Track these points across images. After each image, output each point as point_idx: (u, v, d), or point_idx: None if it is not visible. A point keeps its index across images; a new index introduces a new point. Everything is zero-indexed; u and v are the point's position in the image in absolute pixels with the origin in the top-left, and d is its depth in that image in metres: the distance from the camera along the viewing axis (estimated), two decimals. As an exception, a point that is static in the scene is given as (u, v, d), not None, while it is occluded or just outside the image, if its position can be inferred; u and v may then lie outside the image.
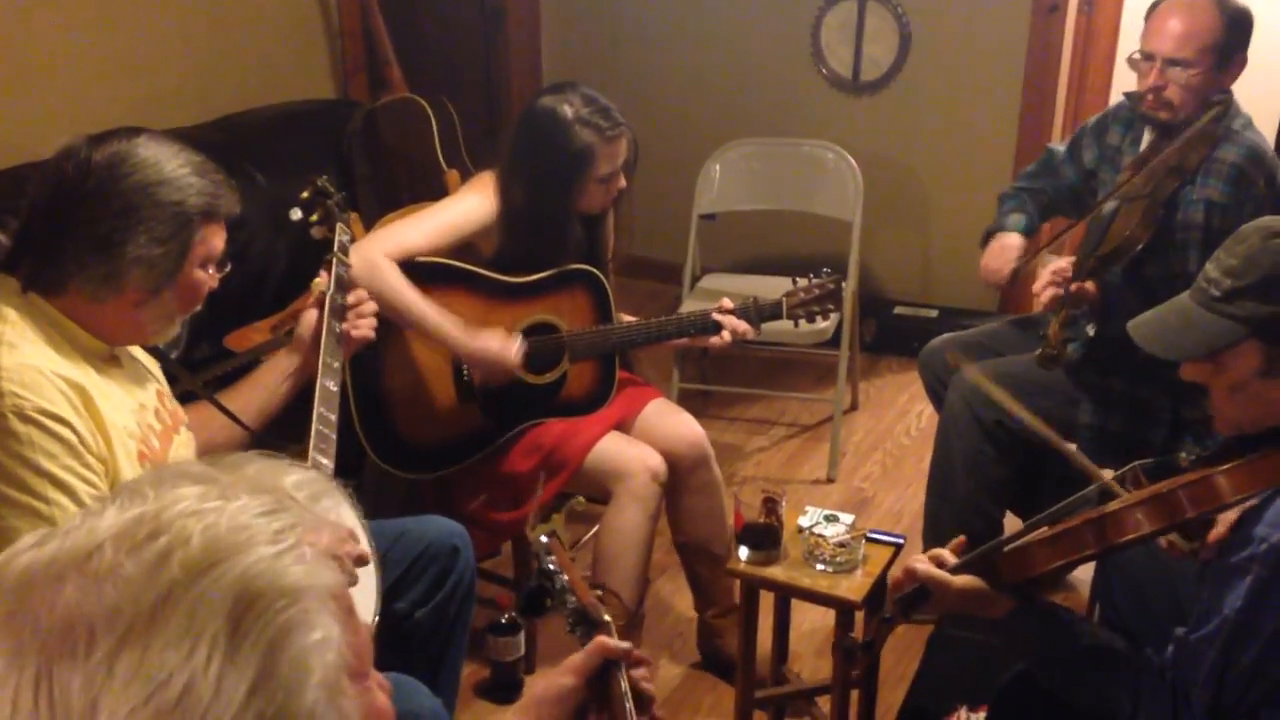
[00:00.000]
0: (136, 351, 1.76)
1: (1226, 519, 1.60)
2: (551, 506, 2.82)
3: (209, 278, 1.68)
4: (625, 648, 1.25)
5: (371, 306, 2.07)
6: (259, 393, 1.96)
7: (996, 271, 2.62)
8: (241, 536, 0.69)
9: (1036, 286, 2.43)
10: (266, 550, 0.69)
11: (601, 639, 1.25)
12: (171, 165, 1.59)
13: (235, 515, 0.70)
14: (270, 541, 0.70)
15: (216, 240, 1.66)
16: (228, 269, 1.72)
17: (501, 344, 2.35)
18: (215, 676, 0.64)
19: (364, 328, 2.04)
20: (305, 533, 0.72)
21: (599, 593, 1.36)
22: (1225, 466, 1.53)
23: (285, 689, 0.66)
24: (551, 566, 1.37)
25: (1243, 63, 2.39)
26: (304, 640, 0.68)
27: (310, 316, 2.00)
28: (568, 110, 2.34)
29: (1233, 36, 2.34)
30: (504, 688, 2.53)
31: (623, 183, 2.44)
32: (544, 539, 1.41)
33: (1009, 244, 2.65)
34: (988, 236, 2.71)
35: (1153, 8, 2.42)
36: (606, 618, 1.31)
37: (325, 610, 0.70)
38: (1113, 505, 1.60)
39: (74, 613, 0.65)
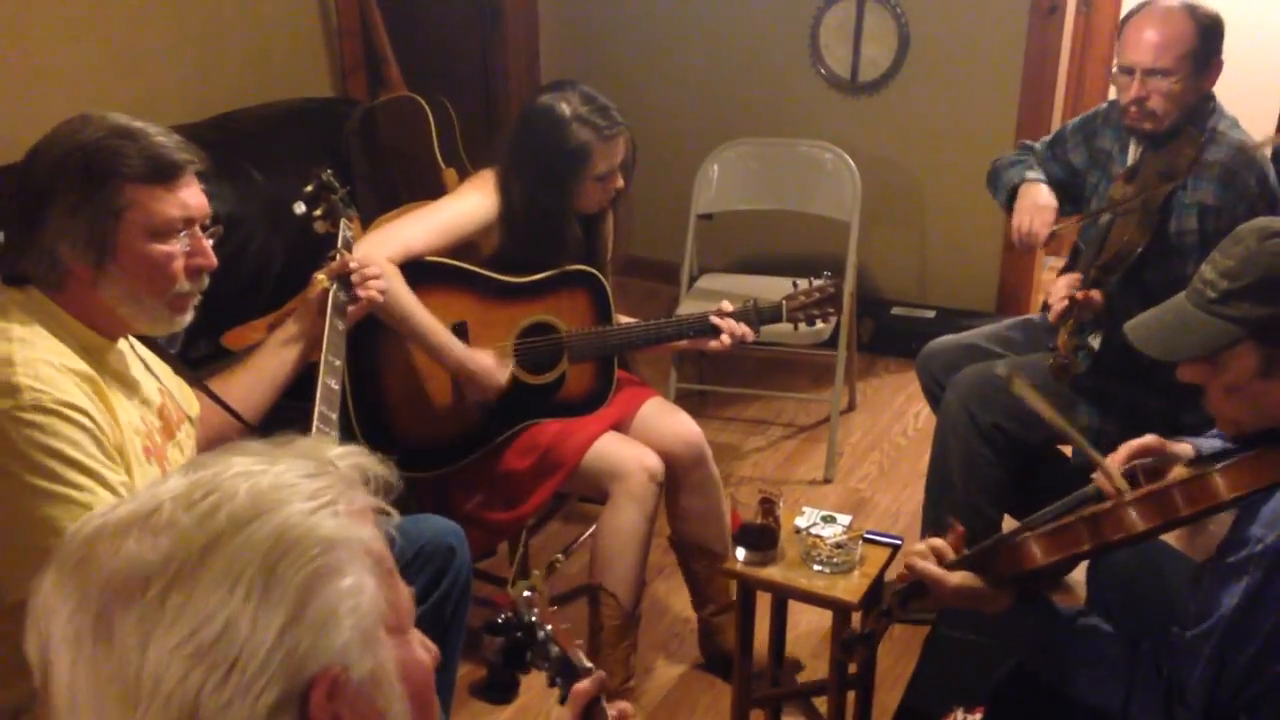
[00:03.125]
0: (141, 349, 1.75)
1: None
2: (550, 507, 2.84)
3: (171, 250, 1.57)
4: (601, 678, 1.30)
5: (377, 269, 2.09)
6: (257, 387, 1.95)
7: (1031, 233, 2.55)
8: (281, 494, 0.76)
9: (1052, 299, 2.43)
10: (303, 505, 0.76)
11: (578, 688, 1.29)
12: (87, 133, 1.53)
13: (279, 475, 0.78)
14: (308, 498, 0.77)
15: (163, 206, 1.55)
16: (215, 229, 1.65)
17: (493, 366, 2.36)
18: (252, 614, 0.71)
19: (372, 289, 2.05)
20: (341, 494, 0.79)
21: (581, 642, 1.39)
22: (1221, 465, 1.54)
23: (315, 628, 0.73)
24: (533, 619, 1.40)
25: (1219, 66, 2.42)
26: (335, 585, 0.75)
27: (319, 280, 2.01)
28: (566, 109, 2.34)
29: (1207, 42, 2.38)
30: (499, 688, 2.53)
31: (620, 182, 2.43)
32: (525, 594, 1.43)
33: (1042, 201, 2.58)
34: (1012, 194, 2.66)
35: (1125, 22, 2.45)
36: (589, 665, 1.34)
37: (357, 561, 0.77)
38: (1109, 503, 1.61)
39: (133, 561, 0.73)
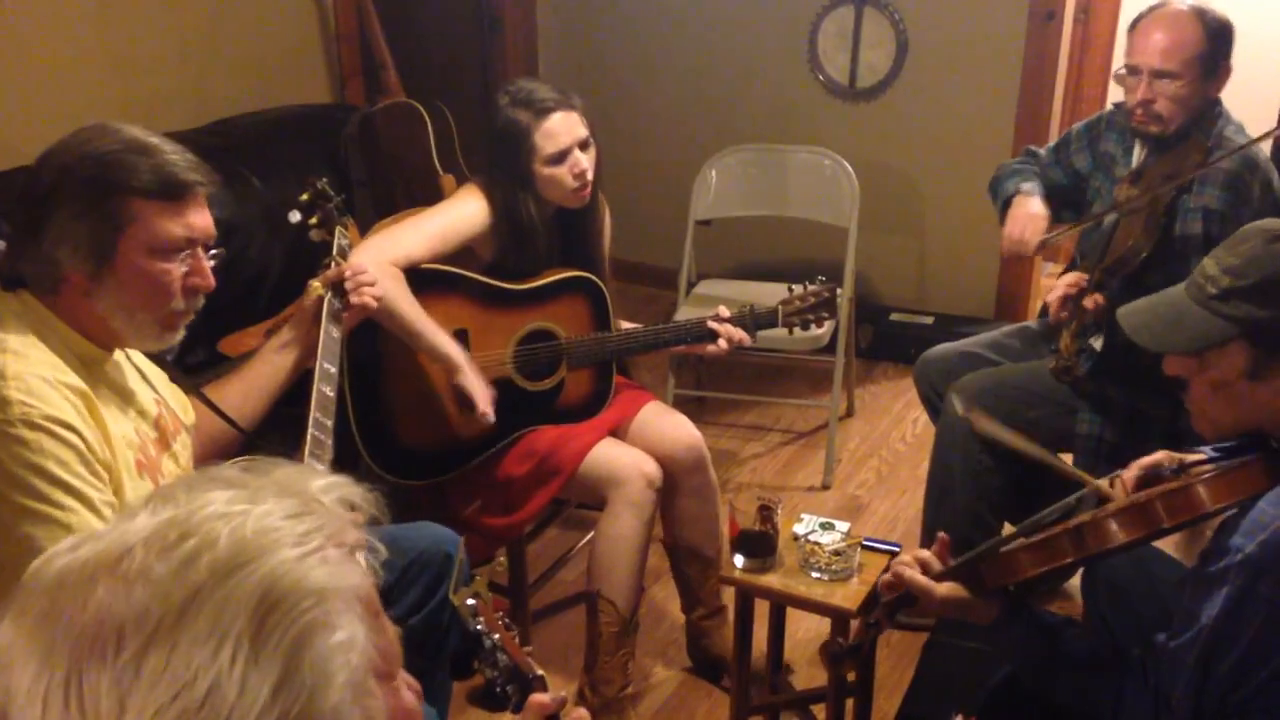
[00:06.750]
0: (138, 358, 1.74)
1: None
2: (548, 513, 2.83)
3: (171, 269, 1.57)
4: (560, 698, 1.28)
5: (372, 276, 2.09)
6: (252, 394, 1.94)
7: (1021, 241, 2.58)
8: (267, 539, 0.70)
9: (1050, 297, 2.43)
10: (291, 552, 0.70)
11: (535, 698, 1.27)
12: (101, 143, 1.53)
13: (261, 518, 0.71)
14: (295, 544, 0.71)
15: (167, 224, 1.55)
16: (218, 251, 1.65)
17: (480, 392, 2.31)
18: (240, 676, 0.65)
19: (366, 295, 2.05)
20: (330, 535, 0.74)
21: (530, 649, 1.38)
22: (1204, 476, 1.54)
23: (309, 689, 0.67)
24: (479, 628, 1.39)
25: (1228, 71, 2.42)
26: (327, 641, 0.69)
27: (314, 287, 2.01)
28: (503, 99, 2.37)
29: (1216, 47, 2.37)
30: (497, 696, 2.51)
31: (583, 163, 2.36)
32: (470, 601, 1.43)
33: (1035, 211, 2.60)
34: (1006, 204, 2.67)
35: (1134, 23, 2.45)
36: (539, 672, 1.33)
37: (349, 611, 0.71)
38: (1093, 514, 1.61)
39: (104, 614, 0.67)
